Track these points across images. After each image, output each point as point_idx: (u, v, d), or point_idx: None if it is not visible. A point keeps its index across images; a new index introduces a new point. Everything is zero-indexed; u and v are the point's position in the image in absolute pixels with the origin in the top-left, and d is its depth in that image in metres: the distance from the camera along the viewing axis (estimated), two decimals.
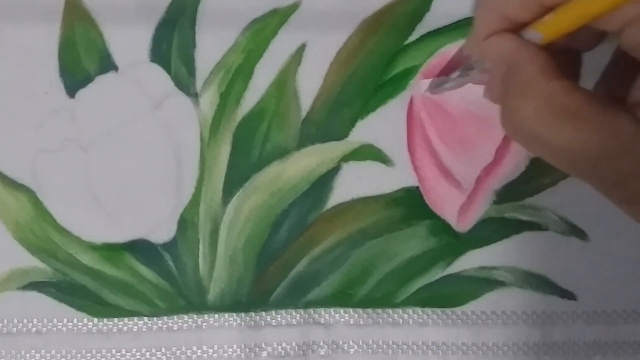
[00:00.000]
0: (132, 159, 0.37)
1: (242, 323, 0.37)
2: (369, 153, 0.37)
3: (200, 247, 0.37)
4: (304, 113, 0.37)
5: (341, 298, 0.37)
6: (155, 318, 0.37)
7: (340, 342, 0.36)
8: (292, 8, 0.38)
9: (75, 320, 0.37)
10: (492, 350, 0.36)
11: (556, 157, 0.28)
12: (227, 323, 0.37)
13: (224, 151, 0.37)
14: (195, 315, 0.37)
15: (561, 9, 0.28)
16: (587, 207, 0.37)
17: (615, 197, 0.28)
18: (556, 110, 0.27)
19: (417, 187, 0.37)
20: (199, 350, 0.36)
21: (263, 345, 0.36)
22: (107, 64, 0.37)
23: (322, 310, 0.37)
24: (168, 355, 0.36)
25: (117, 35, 0.38)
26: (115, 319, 0.37)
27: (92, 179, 0.37)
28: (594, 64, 0.31)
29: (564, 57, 0.30)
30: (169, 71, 0.37)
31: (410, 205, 0.37)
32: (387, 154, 0.37)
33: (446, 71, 0.36)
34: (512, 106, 0.28)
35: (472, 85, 0.37)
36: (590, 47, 0.31)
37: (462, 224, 0.37)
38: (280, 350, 0.36)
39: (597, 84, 0.31)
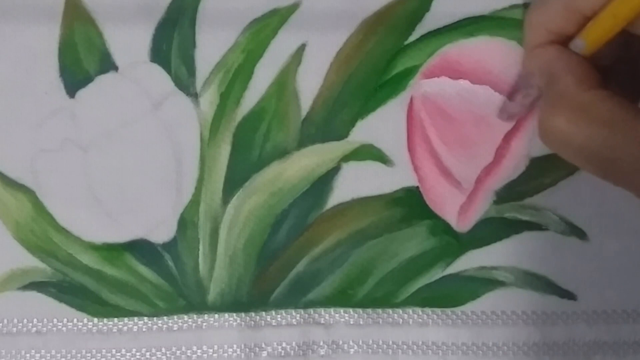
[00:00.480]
0: (132, 159, 0.37)
1: (242, 323, 0.37)
2: (369, 153, 0.37)
3: (200, 247, 0.37)
4: (304, 113, 0.37)
5: (341, 298, 0.37)
6: (155, 318, 0.37)
7: (340, 342, 0.36)
8: (292, 8, 0.38)
9: (75, 320, 0.37)
10: (492, 350, 0.36)
11: (592, 165, 0.28)
12: (227, 323, 0.37)
13: (224, 151, 0.37)
14: (195, 315, 0.37)
15: (598, 15, 0.28)
16: (587, 207, 0.37)
17: None
18: (590, 118, 0.27)
19: (417, 187, 0.37)
20: (199, 350, 0.36)
21: (263, 345, 0.36)
22: (107, 64, 0.37)
23: (322, 310, 0.37)
24: (168, 355, 0.36)
25: (117, 35, 0.38)
26: (115, 319, 0.37)
27: (92, 179, 0.37)
28: None
29: (622, 68, 0.30)
30: (169, 71, 0.37)
31: (410, 205, 0.37)
32: (387, 154, 0.37)
33: (510, 95, 0.36)
34: (546, 115, 0.28)
35: (472, 85, 0.37)
36: None
37: (462, 224, 0.37)
38: (280, 350, 0.36)
39: None
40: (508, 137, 0.37)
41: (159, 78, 0.37)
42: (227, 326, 0.37)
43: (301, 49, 0.38)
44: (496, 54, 0.37)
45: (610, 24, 0.28)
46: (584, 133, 0.27)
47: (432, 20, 0.37)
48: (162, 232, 0.37)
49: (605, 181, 0.28)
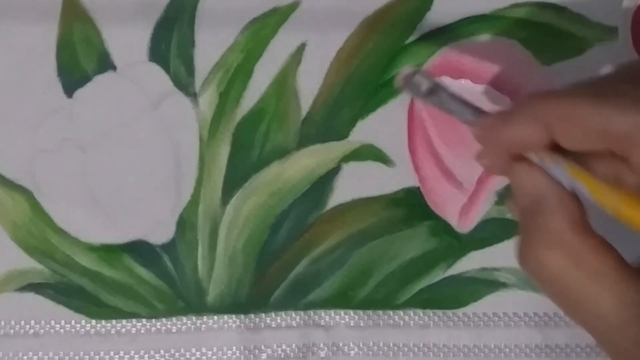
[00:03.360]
0: (131, 159, 0.37)
1: (242, 325, 0.36)
2: (369, 153, 0.37)
3: (199, 248, 0.37)
4: (304, 113, 0.37)
5: (341, 299, 0.37)
6: (153, 320, 0.37)
7: (341, 344, 0.36)
8: (292, 7, 0.38)
9: (73, 322, 0.36)
10: (494, 352, 0.36)
11: (565, 306, 0.28)
12: (226, 325, 0.36)
13: (224, 151, 0.37)
14: (194, 317, 0.37)
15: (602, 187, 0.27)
16: (586, 208, 0.36)
17: (611, 355, 0.28)
18: (582, 269, 0.27)
19: (418, 188, 0.37)
20: (197, 352, 0.36)
21: (263, 347, 0.36)
22: (105, 64, 0.37)
23: (322, 312, 0.37)
24: (167, 357, 0.36)
25: (115, 35, 0.37)
26: (114, 321, 0.36)
27: (90, 179, 0.37)
28: None
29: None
30: (167, 71, 0.37)
31: (411, 205, 0.37)
32: (387, 154, 0.37)
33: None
34: (538, 253, 0.28)
35: (473, 85, 0.37)
36: None
37: (463, 225, 0.37)
38: (280, 352, 0.36)
39: None
40: None
41: (158, 78, 0.37)
42: (226, 328, 0.36)
43: (301, 48, 0.37)
44: (497, 53, 0.37)
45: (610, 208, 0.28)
46: (571, 280, 0.27)
47: (433, 19, 0.37)
48: (160, 233, 0.37)
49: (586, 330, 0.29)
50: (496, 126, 0.28)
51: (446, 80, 0.37)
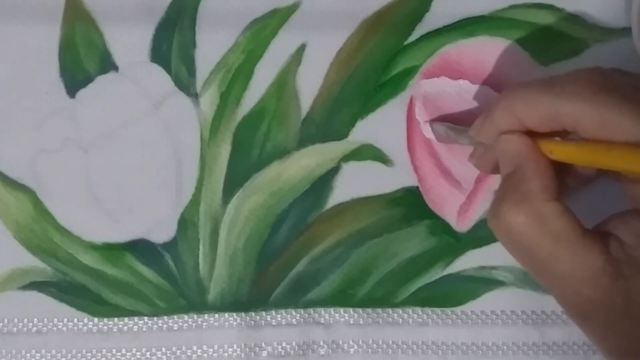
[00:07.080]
0: (133, 159, 0.37)
1: (242, 323, 0.37)
2: (369, 153, 0.37)
3: (201, 246, 0.37)
4: (304, 113, 0.37)
5: (341, 298, 0.37)
6: (155, 318, 0.37)
7: (340, 342, 0.36)
8: (292, 8, 0.38)
9: (75, 320, 0.37)
10: (492, 350, 0.36)
11: (528, 266, 0.31)
12: (227, 323, 0.37)
13: (224, 151, 0.37)
14: (195, 315, 0.37)
15: (580, 146, 0.30)
16: (585, 207, 0.37)
17: (573, 317, 0.30)
18: (543, 229, 0.29)
19: (417, 187, 0.37)
20: (199, 350, 0.37)
21: (263, 345, 0.36)
22: (107, 64, 0.38)
23: (322, 310, 0.37)
24: (168, 355, 0.36)
25: (117, 36, 0.38)
26: (116, 319, 0.37)
27: (93, 179, 0.37)
28: None
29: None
30: (169, 71, 0.38)
31: (410, 205, 0.37)
32: (387, 153, 0.37)
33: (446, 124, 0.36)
34: (506, 211, 0.30)
35: (472, 85, 0.37)
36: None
37: (461, 224, 0.37)
38: (280, 350, 0.36)
39: None
40: None
41: (159, 78, 0.38)
42: (227, 326, 0.37)
43: (301, 49, 0.38)
44: (496, 54, 0.37)
45: (587, 163, 0.30)
46: (533, 239, 0.29)
47: (432, 20, 0.38)
48: (162, 232, 0.37)
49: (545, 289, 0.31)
50: (482, 124, 0.32)
51: (445, 81, 0.37)
